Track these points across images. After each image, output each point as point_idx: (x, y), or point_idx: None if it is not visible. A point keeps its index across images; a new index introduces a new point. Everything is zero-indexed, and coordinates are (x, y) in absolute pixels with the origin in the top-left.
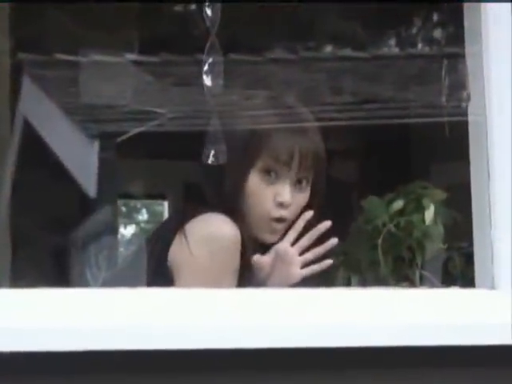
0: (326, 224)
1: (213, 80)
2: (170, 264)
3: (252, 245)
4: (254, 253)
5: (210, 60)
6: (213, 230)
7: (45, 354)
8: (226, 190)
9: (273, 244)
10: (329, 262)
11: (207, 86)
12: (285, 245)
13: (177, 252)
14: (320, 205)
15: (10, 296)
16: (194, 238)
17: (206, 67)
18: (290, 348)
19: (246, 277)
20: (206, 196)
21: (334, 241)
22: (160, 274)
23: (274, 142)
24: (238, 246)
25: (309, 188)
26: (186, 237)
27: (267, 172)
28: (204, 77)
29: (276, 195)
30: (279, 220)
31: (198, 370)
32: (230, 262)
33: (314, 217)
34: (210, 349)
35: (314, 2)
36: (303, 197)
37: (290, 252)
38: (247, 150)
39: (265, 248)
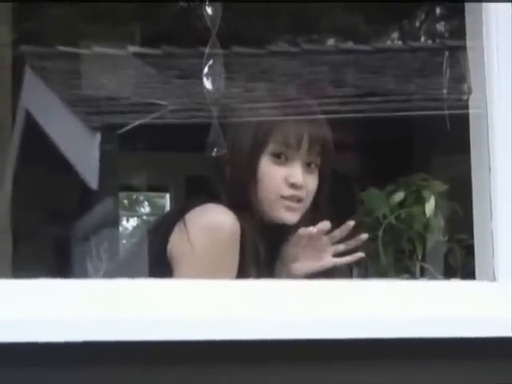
0: (350, 223)
1: (213, 82)
2: (169, 255)
3: (265, 237)
4: (263, 241)
5: (211, 62)
6: (211, 221)
7: (46, 345)
8: (237, 180)
9: (289, 228)
10: (360, 254)
11: (208, 90)
12: (319, 232)
13: (176, 242)
14: (326, 193)
15: (12, 287)
16: (193, 229)
17: (206, 69)
18: (291, 340)
19: (251, 267)
20: (208, 187)
21: (364, 236)
22: (160, 265)
23: (283, 127)
24: (237, 237)
25: (317, 172)
26: (185, 227)
27: (277, 155)
28: (204, 79)
29: (288, 177)
30: (293, 198)
31: (199, 362)
32: (228, 252)
33: (321, 205)
34: (209, 340)
35: None
36: (313, 179)
37: (324, 239)
38: (257, 135)
39: (276, 236)
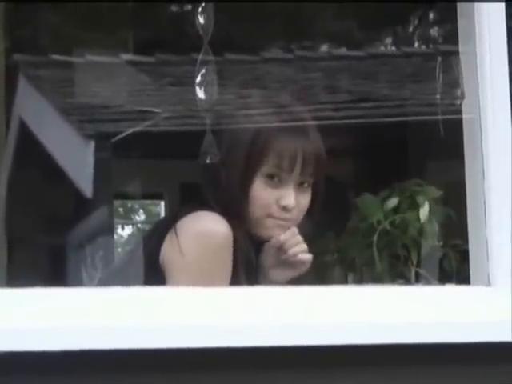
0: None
1: (206, 91)
2: (161, 262)
3: (252, 243)
4: (254, 251)
5: (203, 70)
6: (203, 228)
7: (40, 354)
8: (229, 193)
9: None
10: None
11: (200, 98)
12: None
13: (167, 250)
14: (320, 203)
15: (7, 296)
16: (184, 236)
17: (198, 78)
18: (287, 346)
19: (244, 274)
20: (202, 195)
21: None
22: (153, 273)
23: (277, 150)
24: (230, 244)
25: (310, 189)
26: (176, 234)
27: (271, 177)
28: (197, 88)
29: (280, 199)
30: (284, 219)
31: (194, 368)
32: (220, 259)
33: (314, 215)
34: (205, 347)
35: (310, 1)
36: (306, 198)
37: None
38: (251, 157)
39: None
